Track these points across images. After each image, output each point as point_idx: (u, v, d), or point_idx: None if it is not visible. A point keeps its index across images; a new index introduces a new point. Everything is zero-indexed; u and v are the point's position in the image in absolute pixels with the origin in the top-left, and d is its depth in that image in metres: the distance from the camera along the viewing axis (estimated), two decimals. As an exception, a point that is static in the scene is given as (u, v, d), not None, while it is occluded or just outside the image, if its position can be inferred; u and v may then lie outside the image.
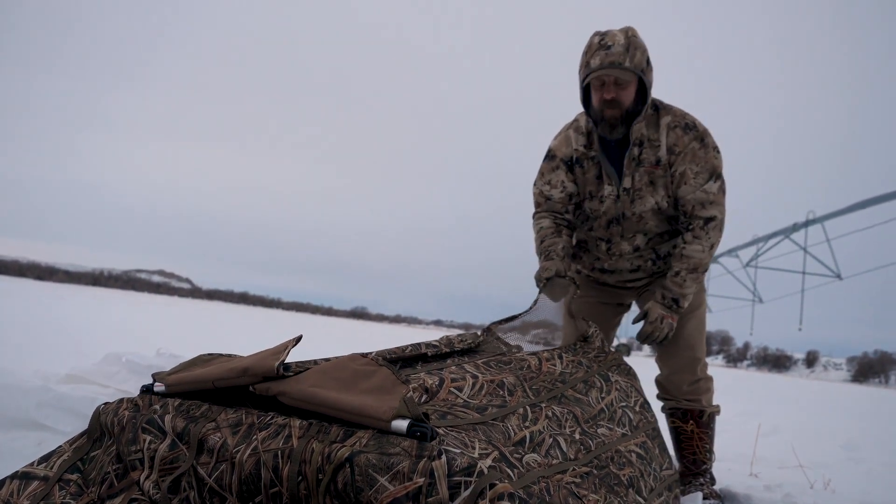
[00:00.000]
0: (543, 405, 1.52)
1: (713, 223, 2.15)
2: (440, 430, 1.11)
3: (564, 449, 1.41)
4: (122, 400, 1.23)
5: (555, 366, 1.78)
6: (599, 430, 1.63)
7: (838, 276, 14.51)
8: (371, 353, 1.40)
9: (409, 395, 1.04)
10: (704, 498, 2.25)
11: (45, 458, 1.21)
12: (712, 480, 2.39)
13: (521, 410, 1.43)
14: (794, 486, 2.66)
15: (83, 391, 2.27)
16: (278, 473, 1.01)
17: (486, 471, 0.97)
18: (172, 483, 1.08)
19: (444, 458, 0.95)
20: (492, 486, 0.94)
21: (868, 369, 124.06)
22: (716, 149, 2.15)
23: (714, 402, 2.47)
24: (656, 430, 1.94)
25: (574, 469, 1.36)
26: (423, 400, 1.12)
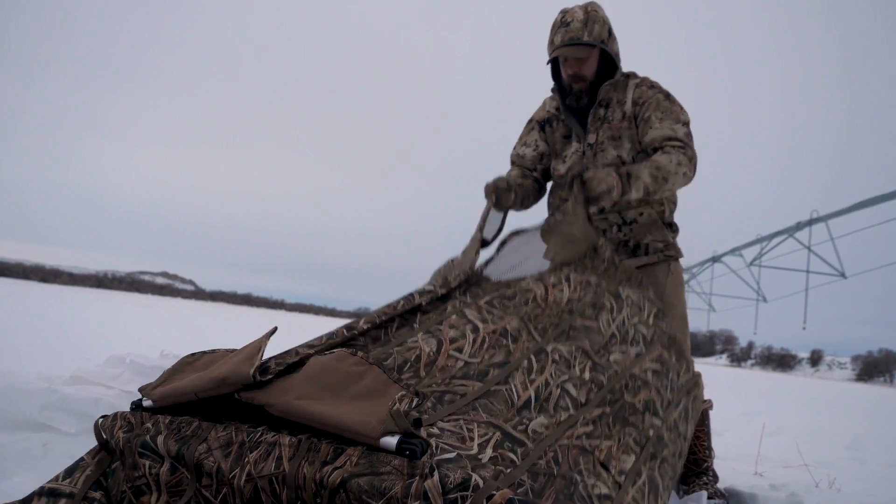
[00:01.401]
0: (550, 349, 1.49)
1: (683, 150, 2.11)
2: (434, 430, 1.09)
3: (574, 395, 1.39)
4: (116, 416, 1.22)
5: (562, 292, 1.73)
6: (612, 358, 1.60)
7: (842, 275, 14.47)
8: (361, 319, 1.37)
9: (395, 407, 1.01)
10: (709, 497, 2.24)
11: (69, 473, 1.20)
12: (715, 478, 2.38)
13: (525, 363, 1.40)
14: (799, 485, 2.65)
15: (87, 392, 2.27)
16: (277, 497, 1.01)
17: (481, 484, 0.94)
18: None
19: (436, 475, 0.93)
20: (489, 497, 0.92)
21: (873, 368, 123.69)
22: (682, 106, 2.20)
23: (705, 398, 2.46)
24: (672, 338, 1.89)
25: (584, 417, 1.34)
26: (413, 405, 1.06)
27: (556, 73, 2.29)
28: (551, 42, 2.19)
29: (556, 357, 1.46)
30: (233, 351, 1.30)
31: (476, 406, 1.21)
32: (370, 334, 1.40)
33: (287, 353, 1.23)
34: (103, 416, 1.23)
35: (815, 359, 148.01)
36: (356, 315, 1.75)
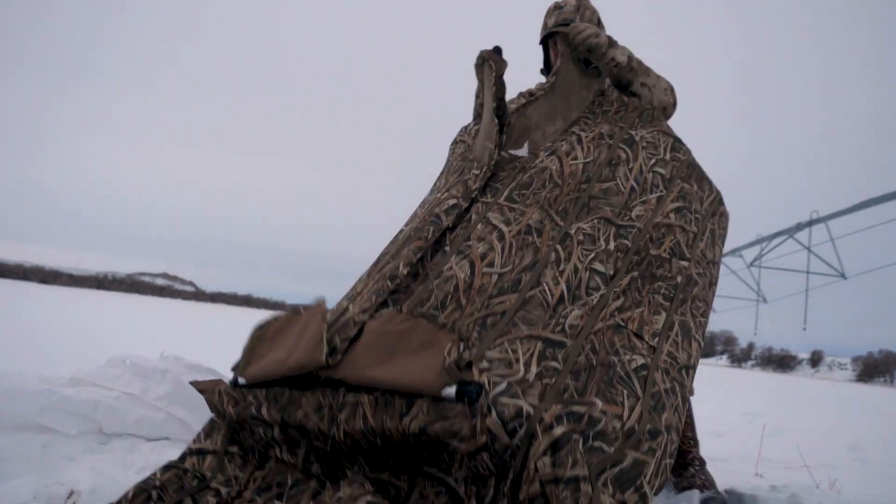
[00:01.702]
0: (573, 230, 1.57)
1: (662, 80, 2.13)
2: (483, 363, 1.23)
3: (602, 270, 1.50)
4: (217, 391, 1.45)
5: (576, 160, 1.76)
6: (634, 214, 1.66)
7: (843, 276, 14.46)
8: (400, 263, 1.48)
9: (447, 362, 1.18)
10: (700, 489, 2.22)
11: (208, 434, 1.45)
12: (702, 464, 2.35)
13: (553, 256, 1.50)
14: (800, 486, 2.64)
15: (87, 394, 2.27)
16: (373, 444, 1.22)
17: (531, 412, 1.13)
18: (304, 453, 1.33)
19: (493, 413, 1.12)
20: (540, 421, 1.11)
21: (873, 369, 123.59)
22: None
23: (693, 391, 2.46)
24: (691, 164, 1.89)
25: (615, 291, 1.47)
26: (462, 350, 1.23)
27: (546, 61, 2.37)
28: (544, 26, 2.29)
29: (581, 237, 1.56)
30: (296, 314, 1.49)
31: (516, 321, 1.34)
32: (411, 274, 1.52)
33: (346, 323, 1.38)
34: (203, 388, 1.49)
35: (816, 359, 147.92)
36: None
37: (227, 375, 2.97)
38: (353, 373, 1.26)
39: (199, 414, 2.36)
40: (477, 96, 2.11)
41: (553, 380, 1.23)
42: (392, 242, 1.76)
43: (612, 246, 1.55)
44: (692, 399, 2.36)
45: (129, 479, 1.99)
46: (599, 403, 1.18)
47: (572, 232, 1.56)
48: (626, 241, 1.58)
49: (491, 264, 1.47)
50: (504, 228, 1.56)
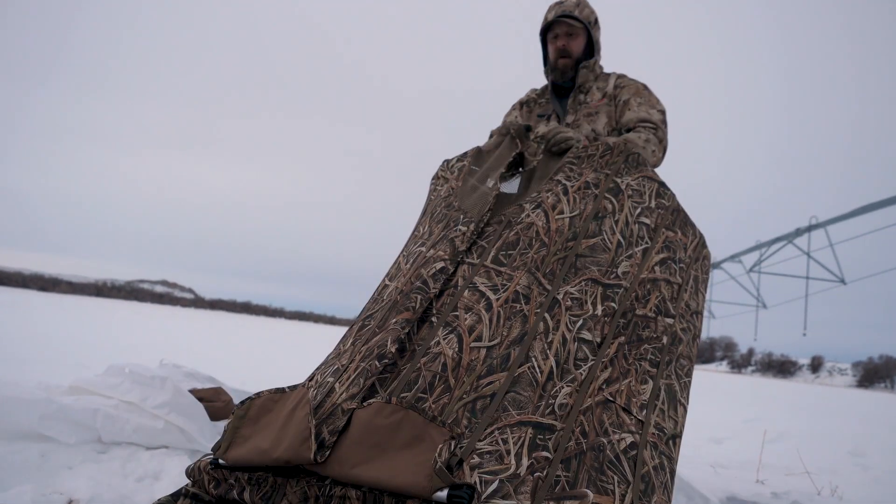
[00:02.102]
0: (561, 295, 1.57)
1: (655, 131, 2.16)
2: (474, 458, 1.22)
3: (590, 338, 1.50)
4: (199, 469, 1.40)
5: (563, 213, 1.75)
6: (620, 271, 1.67)
7: (842, 281, 14.44)
8: (388, 338, 1.45)
9: (438, 465, 1.16)
10: None
11: None
12: None
13: (541, 326, 1.49)
14: (802, 492, 2.64)
15: (86, 402, 2.26)
16: None
17: None
18: None
19: None
20: None
21: (874, 374, 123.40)
22: (658, 98, 2.28)
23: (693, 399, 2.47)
24: (675, 210, 1.90)
25: (602, 361, 1.47)
26: (453, 448, 1.22)
27: (545, 53, 2.43)
28: (544, 20, 2.36)
29: (569, 302, 1.56)
30: (280, 392, 1.47)
31: (506, 405, 1.33)
32: (398, 350, 1.48)
33: (334, 411, 1.37)
34: (202, 397, 1.47)
35: (816, 365, 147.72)
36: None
37: (226, 383, 2.97)
38: (342, 471, 1.25)
39: (197, 422, 2.35)
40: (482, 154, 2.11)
41: (545, 472, 1.23)
42: (376, 300, 1.73)
43: (599, 310, 1.56)
44: (689, 407, 2.37)
45: (128, 488, 1.99)
46: (591, 495, 1.20)
47: (560, 297, 1.56)
48: (612, 304, 1.59)
49: (479, 338, 1.46)
50: (492, 297, 1.55)
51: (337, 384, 1.44)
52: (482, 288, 1.57)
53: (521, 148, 2.09)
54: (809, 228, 14.28)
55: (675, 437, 1.47)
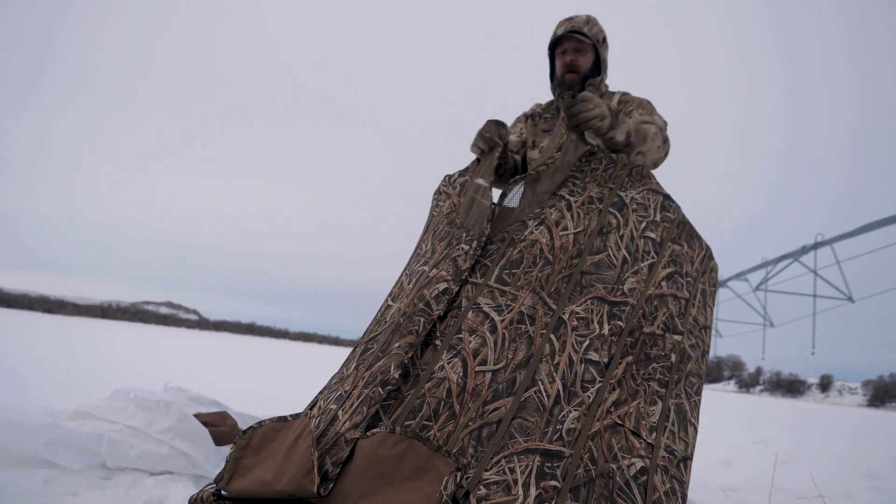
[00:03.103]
0: (567, 314, 1.53)
1: (663, 131, 2.15)
2: (481, 490, 1.20)
3: (597, 359, 1.47)
4: (200, 499, 1.40)
5: (567, 230, 1.71)
6: (627, 287, 1.63)
7: (850, 299, 14.35)
8: (391, 363, 1.42)
9: (444, 500, 1.14)
10: None
11: None
12: None
13: (547, 348, 1.46)
14: (816, 517, 2.58)
15: (91, 427, 2.24)
16: None
17: None
18: None
19: None
20: None
21: (884, 393, 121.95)
22: (660, 115, 2.26)
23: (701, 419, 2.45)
24: (681, 223, 1.86)
25: (610, 383, 1.44)
26: (458, 480, 1.19)
27: (552, 68, 2.43)
28: (554, 34, 2.36)
29: (575, 322, 1.52)
30: (282, 421, 1.45)
31: (512, 431, 1.30)
32: (402, 375, 1.46)
33: (337, 441, 1.34)
34: (207, 421, 1.47)
35: (825, 384, 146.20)
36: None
37: (231, 407, 2.94)
38: None
39: (202, 448, 2.33)
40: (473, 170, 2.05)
41: (553, 502, 1.20)
42: (378, 322, 1.71)
43: (606, 329, 1.53)
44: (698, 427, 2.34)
45: (132, 516, 1.96)
46: None
47: (566, 317, 1.53)
48: (619, 323, 1.56)
49: (484, 361, 1.43)
50: (496, 318, 1.51)
51: (340, 412, 1.42)
52: (486, 309, 1.54)
53: (500, 144, 2.00)
54: (815, 246, 14.24)
55: (686, 460, 1.44)
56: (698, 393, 1.61)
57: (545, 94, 2.50)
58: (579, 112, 1.88)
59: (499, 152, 1.99)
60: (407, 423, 1.33)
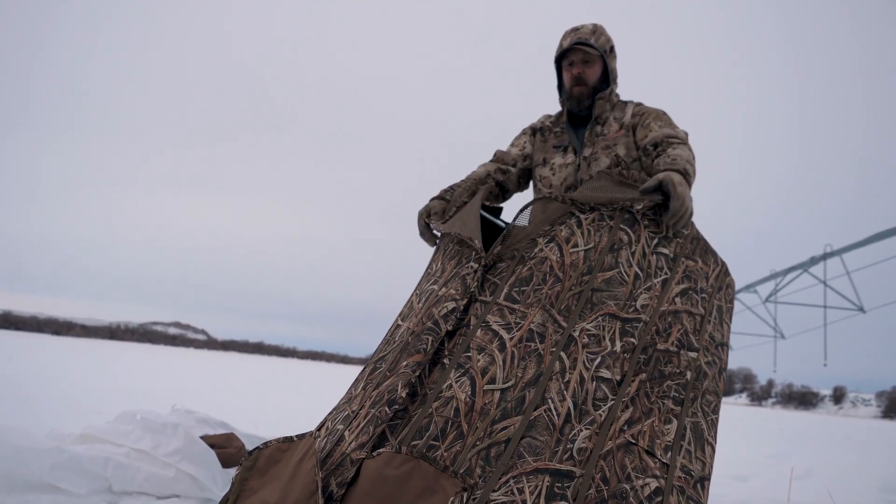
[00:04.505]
0: (577, 332, 1.50)
1: (686, 145, 2.10)
2: None
3: (609, 377, 1.44)
4: None
5: (577, 246, 1.68)
6: (639, 303, 1.60)
7: (861, 310, 14.21)
8: (399, 383, 1.41)
9: None
10: None
11: None
12: None
13: (557, 366, 1.43)
14: (835, 534, 2.53)
15: (97, 451, 2.23)
16: None
17: None
18: None
19: None
20: None
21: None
22: (677, 125, 2.24)
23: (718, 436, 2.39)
24: (695, 238, 1.82)
25: (623, 401, 1.41)
26: (465, 498, 1.17)
27: (559, 80, 2.40)
28: (559, 46, 2.33)
29: (585, 339, 1.49)
30: (288, 442, 1.44)
31: (521, 451, 1.27)
32: (409, 394, 1.43)
33: (342, 462, 1.32)
34: (214, 443, 1.42)
35: (839, 396, 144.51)
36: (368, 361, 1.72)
37: (238, 428, 2.92)
38: None
39: (209, 470, 2.31)
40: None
41: None
42: (388, 342, 1.70)
43: (618, 346, 1.50)
44: None
45: (139, 541, 1.94)
46: None
47: (576, 334, 1.50)
48: (632, 339, 1.53)
49: (493, 380, 1.40)
50: (505, 336, 1.49)
51: (346, 432, 1.40)
52: (495, 327, 1.51)
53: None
54: (825, 257, 14.14)
55: (704, 480, 1.40)
56: (715, 411, 1.57)
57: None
58: (682, 221, 1.79)
59: (484, 192, 2.04)
60: (414, 442, 1.31)
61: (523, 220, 1.86)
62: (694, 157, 2.07)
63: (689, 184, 1.91)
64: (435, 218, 2.06)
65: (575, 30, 2.31)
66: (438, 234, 2.05)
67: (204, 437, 2.49)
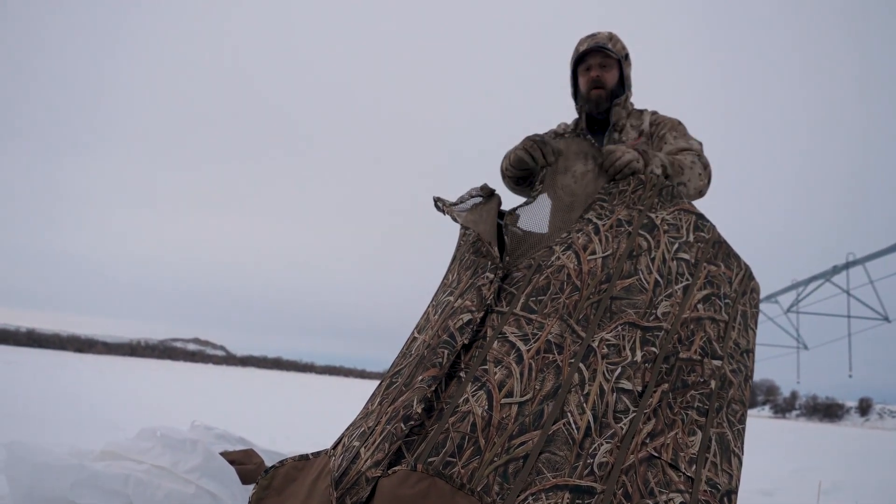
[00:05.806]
0: (596, 342, 1.48)
1: (698, 156, 2.11)
2: None
3: (630, 388, 1.41)
4: None
5: (595, 254, 1.65)
6: (660, 311, 1.57)
7: (886, 319, 13.94)
8: (414, 398, 1.39)
9: None
10: None
11: None
12: None
13: (576, 378, 1.41)
14: (867, 551, 2.46)
15: (117, 468, 2.23)
16: None
17: None
18: None
19: None
20: None
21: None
22: (693, 136, 2.24)
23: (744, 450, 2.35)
24: (716, 242, 1.78)
25: (645, 412, 1.38)
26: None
27: (575, 87, 2.40)
28: (575, 52, 2.33)
29: (605, 349, 1.47)
30: (304, 460, 1.44)
31: (540, 467, 1.25)
32: (425, 409, 1.42)
33: (358, 481, 1.30)
34: (234, 459, 1.41)
35: (865, 407, 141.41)
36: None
37: (257, 444, 2.93)
38: None
39: (229, 487, 2.31)
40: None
41: None
42: (404, 355, 1.68)
43: (638, 356, 1.47)
44: None
45: (159, 558, 1.93)
46: None
47: (595, 344, 1.47)
48: (653, 349, 1.50)
49: (510, 393, 1.38)
50: (522, 347, 1.47)
51: (362, 449, 1.38)
52: (512, 338, 1.49)
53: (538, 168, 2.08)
54: (847, 265, 13.91)
55: (731, 493, 1.35)
56: (742, 421, 1.53)
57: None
58: (612, 163, 1.95)
59: (499, 199, 2.01)
60: (430, 459, 1.29)
61: (540, 227, 1.84)
62: (704, 167, 2.10)
63: (667, 175, 1.99)
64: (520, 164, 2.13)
65: (591, 36, 2.32)
66: (477, 197, 2.04)
67: (223, 454, 2.49)
